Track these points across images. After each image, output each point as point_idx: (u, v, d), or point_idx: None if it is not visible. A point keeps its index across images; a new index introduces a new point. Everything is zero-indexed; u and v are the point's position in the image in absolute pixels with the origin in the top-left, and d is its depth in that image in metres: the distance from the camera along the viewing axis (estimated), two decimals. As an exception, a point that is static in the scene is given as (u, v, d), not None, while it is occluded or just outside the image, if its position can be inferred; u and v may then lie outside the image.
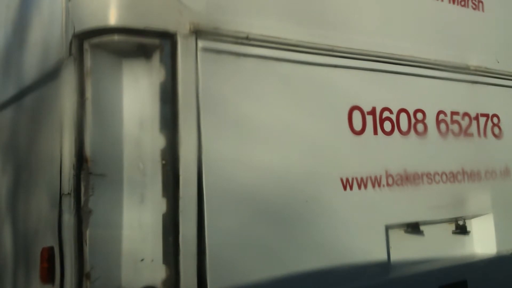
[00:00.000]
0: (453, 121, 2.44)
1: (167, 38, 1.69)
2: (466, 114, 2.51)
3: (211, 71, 1.75)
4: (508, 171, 2.66)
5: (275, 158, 1.87)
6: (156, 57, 1.70)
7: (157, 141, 1.68)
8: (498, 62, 2.67)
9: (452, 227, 2.46)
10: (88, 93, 1.69)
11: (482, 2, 2.63)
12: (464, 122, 2.50)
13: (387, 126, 2.19)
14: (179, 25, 1.71)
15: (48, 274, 1.86)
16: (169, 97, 1.69)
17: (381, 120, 2.17)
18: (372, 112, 2.15)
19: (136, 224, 1.69)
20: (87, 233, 1.65)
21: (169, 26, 1.69)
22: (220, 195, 1.74)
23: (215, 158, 1.74)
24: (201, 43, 1.74)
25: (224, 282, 1.70)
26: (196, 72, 1.72)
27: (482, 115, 2.59)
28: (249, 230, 1.78)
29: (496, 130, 2.65)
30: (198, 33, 1.74)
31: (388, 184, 2.16)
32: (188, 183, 1.68)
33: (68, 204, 1.71)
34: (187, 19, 1.73)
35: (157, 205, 1.67)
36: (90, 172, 1.66)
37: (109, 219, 1.68)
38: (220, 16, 1.81)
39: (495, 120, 2.65)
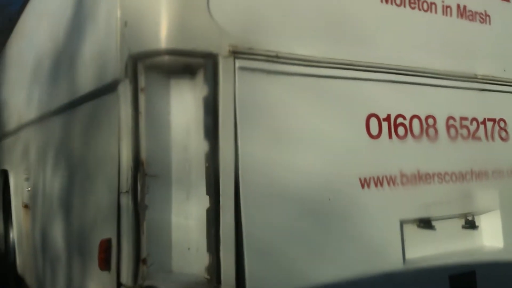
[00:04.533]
0: (462, 126, 2.67)
1: (210, 59, 1.96)
2: (474, 119, 2.74)
3: (247, 87, 2.02)
4: (514, 170, 2.88)
5: (302, 161, 2.14)
6: (200, 75, 1.98)
7: (201, 147, 1.96)
8: (505, 70, 2.89)
9: (462, 222, 2.68)
10: (142, 108, 1.96)
11: (489, 16, 2.85)
12: (472, 126, 2.72)
13: (401, 131, 2.44)
14: (220, 47, 1.98)
15: (105, 263, 2.15)
16: (211, 110, 1.96)
17: (395, 126, 2.42)
18: (387, 118, 2.39)
19: (183, 217, 1.97)
20: (144, 225, 1.93)
21: (212, 48, 1.97)
22: (255, 192, 2.01)
23: (250, 161, 2.01)
24: (238, 63, 2.01)
25: (259, 267, 1.98)
26: (234, 88, 1.99)
27: (490, 119, 2.81)
28: (280, 222, 2.05)
29: (503, 133, 2.87)
30: (235, 53, 2.01)
31: (402, 183, 2.41)
32: (227, 182, 1.95)
33: (126, 201, 1.99)
34: (226, 41, 2.00)
35: (202, 201, 1.94)
36: (145, 173, 1.94)
37: (161, 214, 1.96)
38: (253, 37, 2.07)
39: (502, 124, 2.87)
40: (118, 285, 2.04)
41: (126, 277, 1.99)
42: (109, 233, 2.14)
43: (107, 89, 2.23)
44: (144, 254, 1.94)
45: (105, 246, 2.15)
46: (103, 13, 2.36)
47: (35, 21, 4.14)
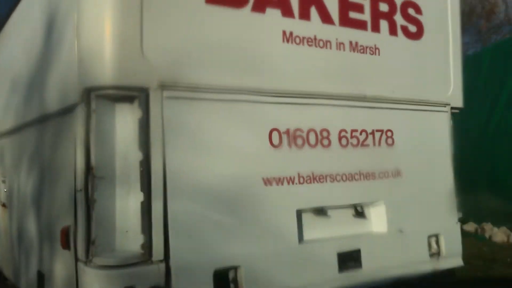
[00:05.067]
0: (352, 136, 3.38)
1: (143, 91, 2.62)
2: (363, 130, 3.44)
3: (172, 111, 2.69)
4: (399, 170, 3.60)
5: (216, 165, 2.83)
6: (136, 103, 2.64)
7: (137, 156, 2.63)
8: (393, 92, 3.62)
9: (353, 211, 3.42)
10: (93, 126, 2.63)
11: (378, 49, 3.56)
12: (362, 137, 3.43)
13: (299, 141, 3.13)
14: (151, 82, 2.63)
15: (66, 244, 2.82)
16: (144, 128, 2.63)
17: (294, 138, 3.11)
18: (287, 132, 3.09)
19: (124, 208, 2.64)
20: (93, 215, 2.60)
21: (144, 83, 2.62)
22: (178, 189, 2.68)
23: (175, 166, 2.68)
24: (165, 93, 2.67)
25: (182, 244, 2.66)
26: (161, 112, 2.66)
27: (378, 130, 3.51)
28: (198, 211, 2.74)
29: (390, 141, 3.58)
30: (163, 86, 2.68)
31: (299, 182, 3.11)
32: (157, 181, 2.63)
33: (80, 197, 2.66)
34: (156, 77, 2.66)
35: (137, 196, 2.62)
36: (95, 176, 2.61)
37: (107, 206, 2.62)
38: (177, 72, 2.73)
39: (389, 133, 3.57)
40: (76, 260, 2.72)
41: (81, 254, 2.66)
42: (68, 221, 2.81)
43: (68, 110, 2.88)
44: (93, 236, 2.61)
45: (66, 231, 2.82)
46: (66, 46, 3.01)
47: (13, 39, 4.70)
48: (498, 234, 7.55)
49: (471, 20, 19.72)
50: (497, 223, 7.35)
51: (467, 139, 7.56)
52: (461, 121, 7.34)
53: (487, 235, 7.54)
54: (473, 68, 7.96)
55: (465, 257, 5.73)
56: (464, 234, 7.35)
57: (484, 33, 19.47)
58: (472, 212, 7.62)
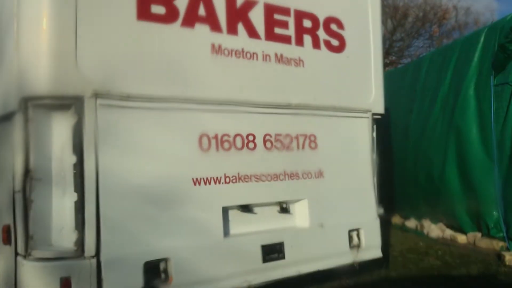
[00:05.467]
0: (276, 140, 3.73)
1: (78, 100, 2.89)
2: (288, 135, 3.80)
3: (105, 118, 2.96)
4: (321, 171, 3.98)
5: (147, 168, 3.11)
6: (72, 110, 2.91)
7: (71, 159, 2.90)
8: (315, 99, 3.98)
9: (278, 208, 3.76)
10: (31, 131, 2.88)
11: (302, 61, 3.92)
12: (286, 141, 3.79)
13: (226, 145, 3.46)
14: (85, 91, 2.91)
15: (7, 240, 3.06)
16: (79, 133, 2.90)
17: (222, 142, 3.44)
18: (215, 137, 3.41)
19: (59, 207, 2.90)
20: (31, 214, 2.85)
21: (79, 92, 2.90)
22: (110, 189, 2.96)
23: (107, 168, 2.95)
24: (99, 101, 2.95)
25: (112, 240, 2.93)
26: (95, 118, 2.93)
27: (301, 135, 3.88)
28: (129, 209, 3.02)
29: (313, 144, 3.95)
30: (97, 95, 2.95)
31: (225, 182, 3.43)
32: (90, 183, 2.90)
33: (19, 197, 2.90)
34: (90, 87, 2.93)
35: (72, 196, 2.88)
36: (32, 177, 2.86)
37: (43, 205, 2.88)
38: (110, 84, 3.01)
39: (312, 138, 3.94)
40: (15, 254, 2.95)
41: (20, 248, 2.91)
42: (8, 220, 3.04)
43: (8, 117, 3.11)
44: (31, 233, 2.86)
45: (7, 229, 3.06)
46: (8, 57, 3.22)
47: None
48: (435, 230, 8.05)
49: (424, 25, 20.64)
50: (434, 220, 7.83)
51: (409, 141, 8.08)
52: (405, 124, 7.86)
53: (425, 231, 8.02)
54: (413, 73, 8.48)
55: (402, 251, 6.24)
56: (406, 230, 7.91)
57: (436, 38, 20.41)
58: (414, 210, 8.13)
